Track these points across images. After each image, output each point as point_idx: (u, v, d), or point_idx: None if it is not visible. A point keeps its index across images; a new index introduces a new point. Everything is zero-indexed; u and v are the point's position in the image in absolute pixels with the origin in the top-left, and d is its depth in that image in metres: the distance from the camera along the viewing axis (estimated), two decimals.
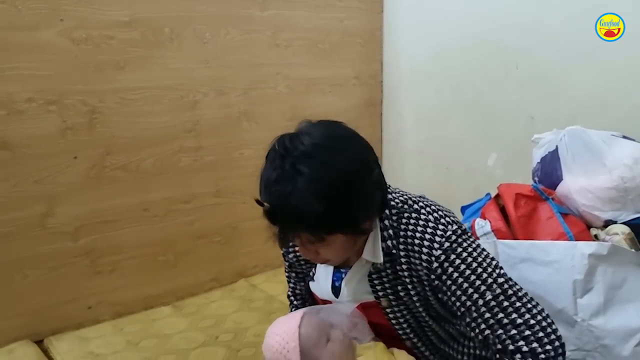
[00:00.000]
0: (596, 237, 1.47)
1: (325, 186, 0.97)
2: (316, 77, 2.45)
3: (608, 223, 1.49)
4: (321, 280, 1.22)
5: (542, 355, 0.98)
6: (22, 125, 1.74)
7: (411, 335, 1.16)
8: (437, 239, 1.05)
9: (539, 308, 1.04)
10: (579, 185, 1.51)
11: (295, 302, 1.37)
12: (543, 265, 1.40)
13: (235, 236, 2.25)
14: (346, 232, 1.03)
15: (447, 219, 1.09)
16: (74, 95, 1.83)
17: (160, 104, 2.00)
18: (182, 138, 2.07)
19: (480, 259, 1.06)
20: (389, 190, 1.13)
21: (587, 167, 1.53)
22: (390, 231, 1.09)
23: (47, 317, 1.86)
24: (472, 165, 2.38)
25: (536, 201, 1.51)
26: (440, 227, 1.07)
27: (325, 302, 1.22)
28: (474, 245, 1.08)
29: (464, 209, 1.72)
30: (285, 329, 1.07)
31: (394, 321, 1.14)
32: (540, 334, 1.00)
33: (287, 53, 2.32)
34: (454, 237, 1.06)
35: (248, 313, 2.00)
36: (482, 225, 1.53)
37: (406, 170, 2.68)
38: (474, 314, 1.03)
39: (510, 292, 1.04)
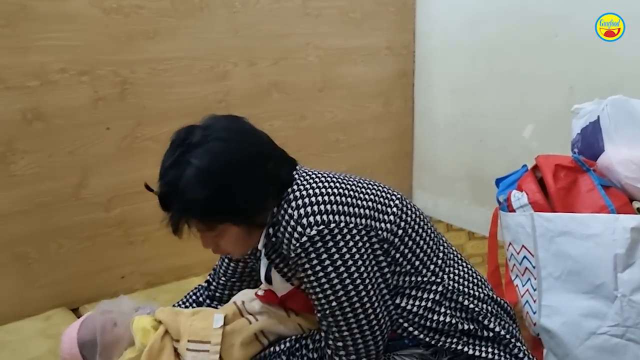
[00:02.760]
0: (639, 211, 1.42)
1: (210, 175, 1.02)
2: (347, 47, 2.40)
3: None
4: (261, 269, 1.25)
5: None
6: (54, 96, 1.75)
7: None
8: (293, 241, 1.05)
9: (367, 332, 1.08)
10: (621, 157, 1.46)
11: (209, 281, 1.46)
12: (583, 239, 1.36)
13: None
14: (237, 223, 1.08)
15: (312, 218, 1.04)
16: (105, 66, 1.83)
17: (190, 75, 1.99)
18: (212, 109, 2.03)
19: (329, 269, 1.04)
20: (297, 172, 1.13)
21: (630, 137, 1.47)
22: (275, 219, 1.10)
23: (82, 285, 1.90)
24: (507, 138, 2.32)
25: (576, 173, 1.47)
26: (299, 228, 1.05)
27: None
28: (330, 251, 1.04)
29: (498, 181, 1.68)
30: (67, 335, 1.29)
31: (313, 296, 1.13)
32: (343, 355, 1.10)
33: (318, 22, 2.27)
34: (307, 244, 1.04)
35: None
36: (518, 198, 1.49)
37: (438, 143, 2.63)
38: (318, 314, 1.11)
39: (347, 309, 1.06)
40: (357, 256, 1.06)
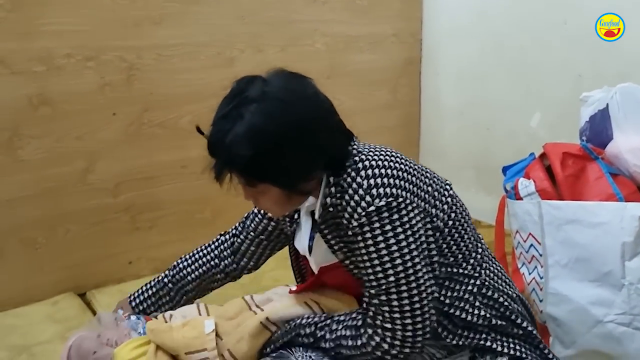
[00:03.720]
0: None
1: (260, 134, 0.99)
2: (354, 34, 2.39)
3: None
4: (302, 237, 1.24)
5: (364, 349, 1.07)
6: (61, 81, 1.75)
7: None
8: (359, 209, 1.02)
9: (420, 318, 1.04)
10: (630, 145, 1.45)
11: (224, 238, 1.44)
12: (590, 227, 1.36)
13: None
14: (278, 186, 1.05)
15: (382, 189, 1.03)
16: (112, 51, 1.82)
17: (196, 61, 1.99)
18: (219, 95, 2.01)
19: (391, 243, 1.02)
20: (355, 145, 1.11)
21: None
22: (332, 188, 1.08)
23: (90, 271, 1.91)
24: (514, 126, 2.31)
25: (584, 161, 1.46)
26: (367, 198, 1.02)
27: (306, 258, 1.25)
28: (395, 225, 1.02)
29: (505, 169, 1.67)
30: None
31: (355, 271, 1.13)
32: (389, 339, 1.05)
33: (325, 9, 2.26)
34: (373, 214, 1.02)
35: (285, 271, 2.00)
36: (526, 185, 1.49)
37: (445, 131, 2.62)
38: (366, 292, 1.07)
39: (403, 289, 1.03)
40: (417, 235, 1.04)
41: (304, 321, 1.15)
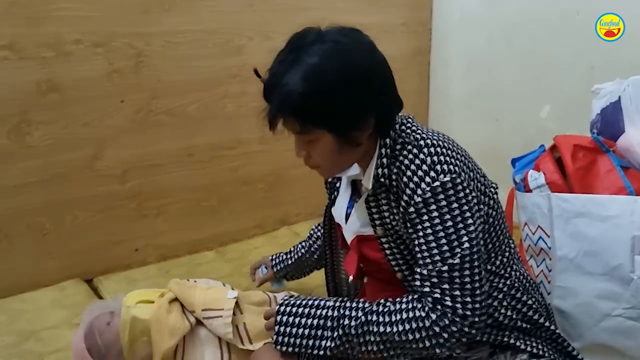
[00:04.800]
0: None
1: (315, 72, 1.00)
2: (363, 23, 2.29)
3: None
4: (339, 205, 1.26)
5: (424, 332, 1.00)
6: (70, 67, 1.74)
7: (403, 267, 1.14)
8: (423, 185, 1.02)
9: (479, 298, 1.01)
10: None
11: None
12: (600, 220, 1.35)
13: (279, 184, 2.24)
14: (332, 131, 1.04)
15: (445, 166, 1.03)
16: (120, 38, 1.81)
17: (205, 48, 1.97)
18: (227, 83, 2.05)
19: (458, 220, 1.02)
20: (407, 123, 1.13)
21: None
22: (385, 160, 1.08)
23: (96, 257, 1.91)
24: (523, 118, 2.29)
25: (595, 153, 1.45)
26: (432, 173, 1.03)
27: (339, 226, 1.27)
28: (461, 202, 1.02)
29: (514, 161, 1.66)
30: (76, 349, 1.27)
31: (387, 251, 1.13)
32: (449, 314, 1.00)
33: None
34: (439, 189, 1.02)
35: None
36: (535, 178, 1.48)
37: (453, 121, 2.60)
38: (424, 270, 1.03)
39: (466, 266, 1.01)
40: (476, 214, 1.05)
41: (348, 304, 1.10)
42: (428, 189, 1.02)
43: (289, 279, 1.65)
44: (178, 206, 2.05)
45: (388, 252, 1.13)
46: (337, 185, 1.30)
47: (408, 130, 1.11)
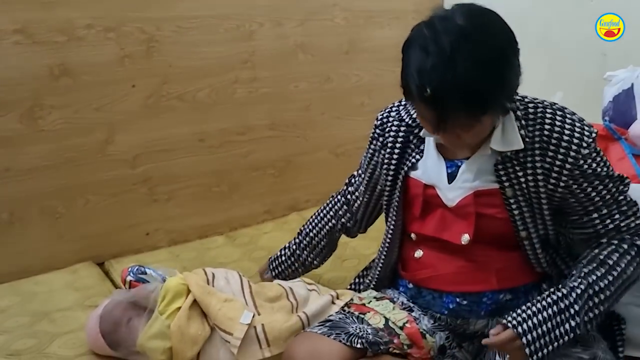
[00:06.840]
0: None
1: (484, 63, 0.99)
2: (374, 9, 2.36)
3: None
4: (431, 168, 1.23)
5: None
6: (81, 51, 1.75)
7: (529, 226, 1.18)
8: (585, 138, 1.12)
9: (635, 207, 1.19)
10: None
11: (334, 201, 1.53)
12: None
13: (289, 169, 2.25)
14: (498, 111, 1.07)
15: (586, 121, 1.16)
16: (132, 23, 1.82)
17: (216, 34, 1.98)
18: (237, 69, 2.05)
19: (608, 164, 1.17)
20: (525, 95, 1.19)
21: None
22: (523, 121, 1.14)
23: (108, 241, 1.93)
24: None
25: (607, 141, 1.44)
26: (586, 127, 1.13)
27: (428, 187, 1.23)
28: (601, 152, 1.17)
29: None
30: (90, 328, 1.35)
31: (516, 211, 1.16)
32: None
33: None
34: (593, 145, 1.14)
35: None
36: None
37: None
38: (604, 210, 1.16)
39: (628, 197, 1.19)
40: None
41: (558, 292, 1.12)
42: (586, 145, 1.11)
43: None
44: (189, 191, 2.06)
45: (516, 212, 1.16)
46: (397, 151, 1.29)
47: (520, 97, 1.17)
